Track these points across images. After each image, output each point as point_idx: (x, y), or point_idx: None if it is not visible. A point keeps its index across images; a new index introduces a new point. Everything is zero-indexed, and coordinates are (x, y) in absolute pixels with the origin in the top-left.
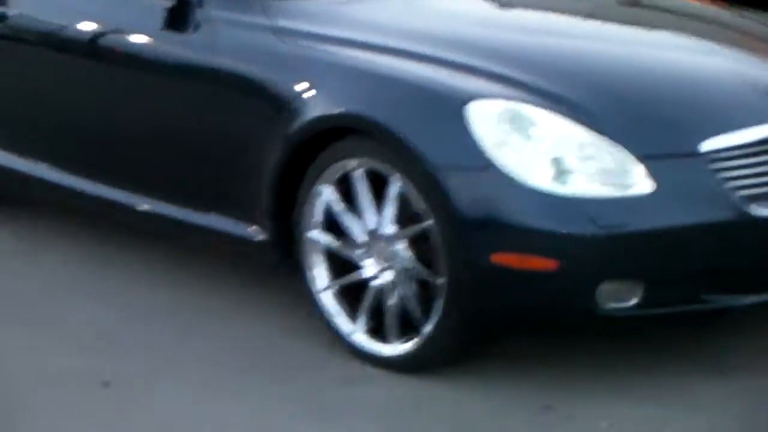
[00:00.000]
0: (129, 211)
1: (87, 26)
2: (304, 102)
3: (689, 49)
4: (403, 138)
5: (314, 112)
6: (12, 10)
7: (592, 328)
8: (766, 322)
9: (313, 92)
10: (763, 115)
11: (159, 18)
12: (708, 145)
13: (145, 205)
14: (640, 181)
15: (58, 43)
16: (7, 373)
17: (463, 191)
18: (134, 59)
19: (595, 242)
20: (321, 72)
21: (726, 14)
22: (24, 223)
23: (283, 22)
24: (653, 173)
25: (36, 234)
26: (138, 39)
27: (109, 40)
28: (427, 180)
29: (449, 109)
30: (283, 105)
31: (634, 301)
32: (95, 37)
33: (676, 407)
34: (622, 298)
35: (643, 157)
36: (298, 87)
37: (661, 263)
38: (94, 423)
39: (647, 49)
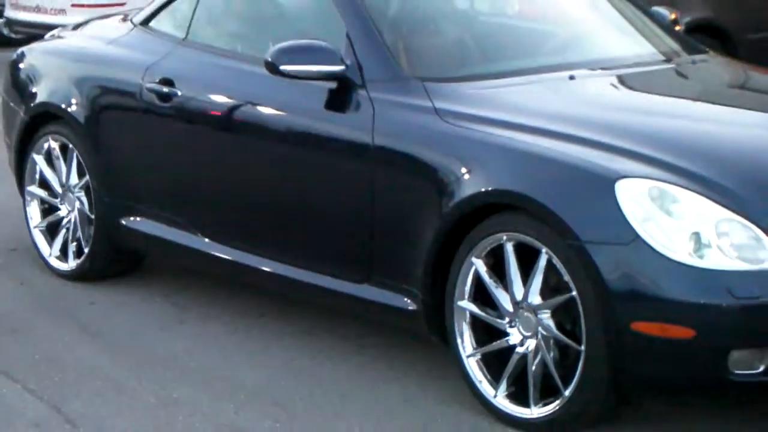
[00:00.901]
0: (285, 281)
1: (247, 104)
2: (463, 179)
3: None
4: (555, 213)
5: (472, 188)
6: (178, 91)
7: (724, 393)
8: None
9: (471, 170)
10: None
11: (320, 99)
12: None
13: (300, 277)
14: None
15: (220, 122)
16: (171, 424)
17: (609, 263)
18: (294, 137)
19: (730, 312)
20: (478, 151)
21: None
22: (177, 290)
23: (443, 104)
24: None
25: (189, 301)
26: (299, 118)
27: (270, 119)
28: (575, 253)
29: (599, 187)
30: (442, 181)
31: (762, 368)
32: (256, 115)
33: None
34: (751, 365)
35: None
36: (457, 165)
37: None
38: None
39: (759, 130)
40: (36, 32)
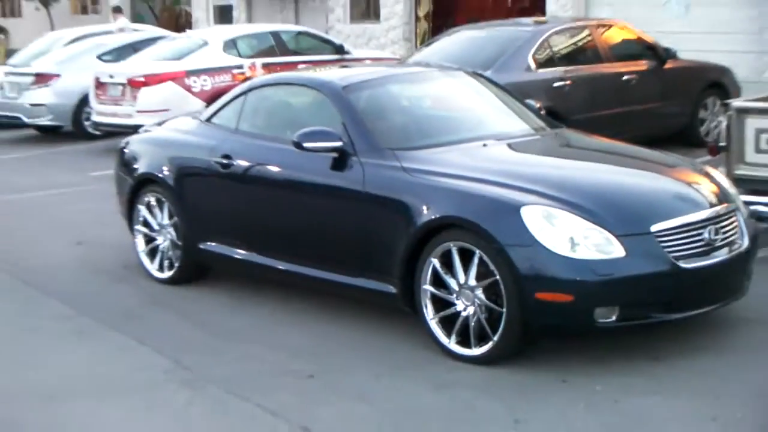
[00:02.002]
0: (308, 280)
1: (279, 169)
2: (422, 210)
3: (628, 172)
4: (484, 228)
5: (429, 216)
6: (234, 162)
7: (593, 333)
8: (686, 327)
9: (427, 204)
10: (677, 210)
11: (326, 164)
12: (654, 228)
13: (319, 274)
14: (617, 250)
15: (262, 180)
16: (250, 370)
17: (519, 257)
18: (309, 189)
19: (593, 285)
20: (430, 192)
21: (624, 146)
22: (235, 287)
23: (407, 164)
24: (624, 244)
25: (243, 293)
26: (312, 176)
27: (294, 177)
28: (497, 252)
29: (511, 211)
30: (407, 212)
31: (613, 318)
32: (285, 175)
33: (643, 378)
34: (606, 316)
35: (619, 236)
36: (416, 201)
37: (629, 295)
38: (303, 399)
39: (598, 172)
40: (111, 130)
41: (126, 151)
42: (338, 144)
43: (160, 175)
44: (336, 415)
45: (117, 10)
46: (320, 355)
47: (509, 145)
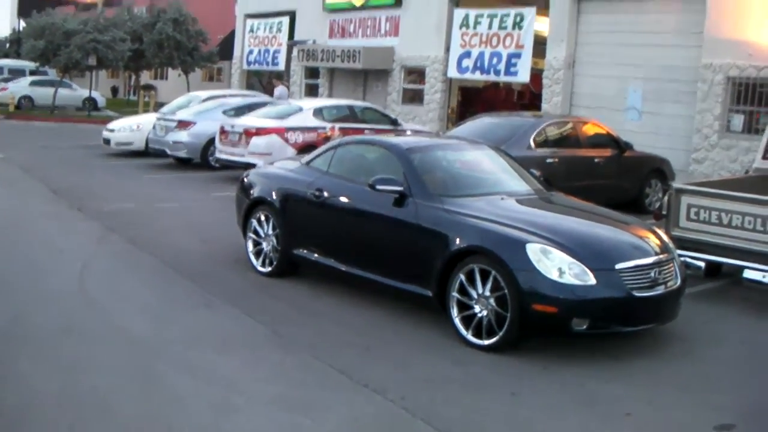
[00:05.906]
0: (369, 281)
1: (356, 202)
2: (454, 240)
3: (601, 225)
4: (499, 256)
5: (458, 245)
6: (324, 194)
7: (568, 335)
8: (635, 337)
9: (458, 236)
10: (634, 255)
11: (390, 201)
12: (618, 266)
13: (377, 278)
14: (590, 279)
15: (343, 209)
16: (325, 340)
17: (522, 278)
18: (377, 218)
19: (572, 302)
20: (462, 227)
21: (597, 207)
22: (315, 282)
23: (448, 206)
24: (596, 275)
25: (322, 287)
26: (379, 209)
27: (367, 209)
28: (507, 273)
29: (518, 246)
30: (445, 240)
31: (584, 327)
32: (360, 207)
33: (602, 370)
34: (580, 325)
35: (593, 269)
36: (452, 233)
37: (597, 312)
38: (362, 363)
39: (579, 224)
40: (228, 164)
41: (246, 180)
42: (400, 188)
43: (269, 199)
44: (384, 376)
45: (278, 77)
46: (374, 335)
47: (518, 200)
